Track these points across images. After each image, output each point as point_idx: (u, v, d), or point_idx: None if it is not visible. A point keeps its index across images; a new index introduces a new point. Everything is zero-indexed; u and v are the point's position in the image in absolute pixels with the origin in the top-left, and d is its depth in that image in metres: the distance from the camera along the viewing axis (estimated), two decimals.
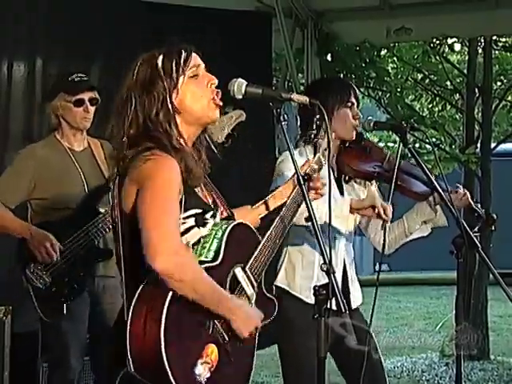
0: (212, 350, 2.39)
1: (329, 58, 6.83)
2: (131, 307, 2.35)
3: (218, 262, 2.47)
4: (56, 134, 4.14)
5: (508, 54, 8.31)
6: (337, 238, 3.42)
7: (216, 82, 2.59)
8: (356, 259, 3.66)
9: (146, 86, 2.51)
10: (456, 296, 3.34)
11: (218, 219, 2.60)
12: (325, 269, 2.37)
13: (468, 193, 3.51)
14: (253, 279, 2.58)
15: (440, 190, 3.21)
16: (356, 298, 3.61)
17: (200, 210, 2.51)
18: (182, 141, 2.52)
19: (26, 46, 5.22)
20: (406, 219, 3.62)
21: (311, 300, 2.39)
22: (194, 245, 2.50)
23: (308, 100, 2.58)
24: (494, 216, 3.51)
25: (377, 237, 3.67)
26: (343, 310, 2.32)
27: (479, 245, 3.04)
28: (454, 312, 3.30)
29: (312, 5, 6.29)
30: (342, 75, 7.04)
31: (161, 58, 2.56)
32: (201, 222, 2.50)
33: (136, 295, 2.36)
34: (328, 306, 2.35)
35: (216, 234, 2.52)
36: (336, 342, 3.26)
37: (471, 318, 7.49)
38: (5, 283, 4.78)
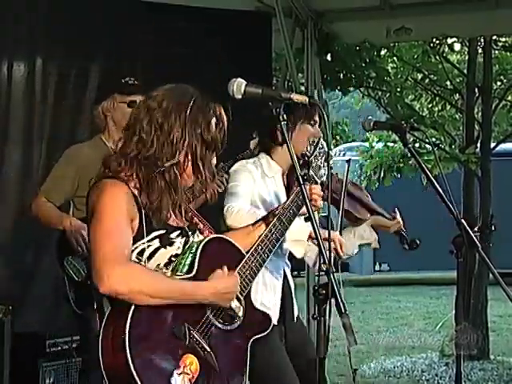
0: (191, 361, 2.40)
1: (329, 57, 6.83)
2: (102, 324, 2.39)
3: (192, 274, 2.48)
4: (102, 135, 4.25)
5: (508, 53, 8.31)
6: (280, 259, 3.43)
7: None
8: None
9: (166, 117, 2.49)
10: (456, 296, 3.35)
11: (196, 238, 2.60)
12: (324, 268, 2.38)
13: (401, 221, 3.86)
14: (237, 293, 2.58)
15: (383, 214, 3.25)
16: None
17: (163, 231, 2.51)
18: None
19: (25, 46, 5.22)
20: (345, 239, 3.66)
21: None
22: (165, 265, 2.51)
23: (307, 100, 2.58)
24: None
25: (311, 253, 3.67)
26: (343, 311, 2.32)
27: (479, 244, 3.04)
28: (454, 312, 3.30)
29: (312, 5, 6.29)
30: (341, 75, 7.04)
31: (191, 104, 2.51)
32: (166, 241, 2.52)
33: (107, 312, 2.41)
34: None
35: (191, 249, 2.54)
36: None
37: (471, 317, 7.50)
38: (5, 283, 4.79)
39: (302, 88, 6.52)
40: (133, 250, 2.47)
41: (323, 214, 3.19)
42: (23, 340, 4.34)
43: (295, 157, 2.59)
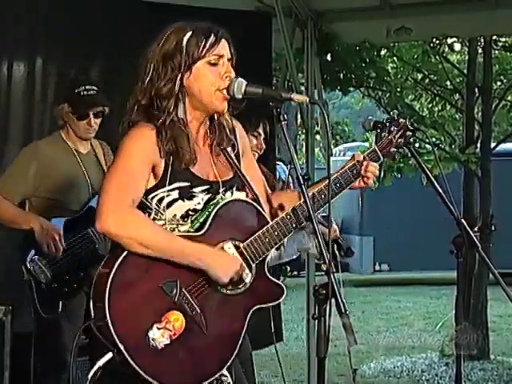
0: (176, 318, 2.39)
1: (329, 57, 6.83)
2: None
3: (200, 233, 2.50)
4: (61, 132, 4.14)
5: (508, 53, 8.31)
6: None
7: (233, 76, 2.59)
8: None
9: (166, 58, 2.54)
10: (456, 296, 3.35)
11: (228, 194, 2.61)
12: (325, 269, 2.38)
13: (337, 229, 3.99)
14: (249, 258, 2.57)
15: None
16: None
17: (186, 184, 2.53)
18: (182, 121, 2.55)
19: (25, 46, 5.22)
20: (286, 245, 3.66)
21: None
22: (182, 217, 2.53)
23: (308, 100, 2.59)
24: None
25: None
26: (343, 311, 2.32)
27: (479, 244, 3.04)
28: (454, 312, 3.30)
29: (312, 5, 6.29)
30: (341, 75, 7.04)
31: (188, 34, 2.58)
32: (185, 194, 2.53)
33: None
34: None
35: (209, 208, 2.55)
36: None
37: (471, 317, 7.50)
38: (5, 283, 4.78)
39: (302, 88, 6.52)
40: (153, 197, 2.51)
41: (323, 214, 3.17)
42: (23, 340, 4.33)
43: (295, 157, 2.59)
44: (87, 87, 4.06)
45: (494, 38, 7.93)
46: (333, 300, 2.34)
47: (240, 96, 2.57)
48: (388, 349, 8.36)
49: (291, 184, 5.97)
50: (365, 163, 2.81)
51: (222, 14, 5.77)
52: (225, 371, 2.56)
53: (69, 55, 5.28)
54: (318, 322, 2.38)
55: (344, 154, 14.27)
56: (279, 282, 2.66)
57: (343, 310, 2.32)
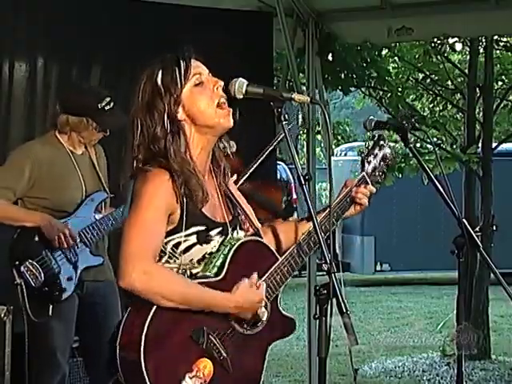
0: (205, 365, 2.40)
1: (330, 57, 6.82)
2: (126, 314, 2.42)
3: (220, 278, 2.48)
4: (57, 133, 4.10)
5: (509, 53, 8.31)
6: None
7: (222, 84, 2.57)
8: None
9: (149, 107, 2.51)
10: (457, 296, 3.34)
11: (235, 234, 2.60)
12: (325, 268, 2.37)
13: None
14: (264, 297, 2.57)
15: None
16: None
17: (203, 228, 2.51)
18: (189, 158, 2.51)
19: (26, 46, 5.23)
20: None
21: None
22: (198, 261, 2.52)
23: (309, 100, 2.58)
24: None
25: None
26: (344, 310, 2.32)
27: (480, 244, 3.04)
28: (455, 312, 3.29)
29: (313, 4, 6.28)
30: (343, 75, 7.04)
31: (160, 74, 2.52)
32: (203, 238, 2.51)
33: (129, 309, 2.43)
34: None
35: (223, 250, 2.53)
36: None
37: (472, 317, 7.50)
38: (5, 283, 4.78)
39: (304, 88, 6.52)
40: (169, 241, 2.47)
41: None
42: (23, 340, 4.33)
43: (296, 157, 2.59)
44: (107, 98, 4.04)
45: (496, 37, 7.94)
46: (334, 300, 2.34)
47: (241, 96, 2.55)
48: (389, 349, 8.36)
49: (292, 184, 5.98)
50: (354, 189, 2.85)
51: (222, 14, 5.78)
52: None
53: (69, 55, 5.29)
54: (319, 321, 2.38)
55: (345, 154, 14.27)
56: (291, 316, 2.69)
57: (344, 310, 2.32)
